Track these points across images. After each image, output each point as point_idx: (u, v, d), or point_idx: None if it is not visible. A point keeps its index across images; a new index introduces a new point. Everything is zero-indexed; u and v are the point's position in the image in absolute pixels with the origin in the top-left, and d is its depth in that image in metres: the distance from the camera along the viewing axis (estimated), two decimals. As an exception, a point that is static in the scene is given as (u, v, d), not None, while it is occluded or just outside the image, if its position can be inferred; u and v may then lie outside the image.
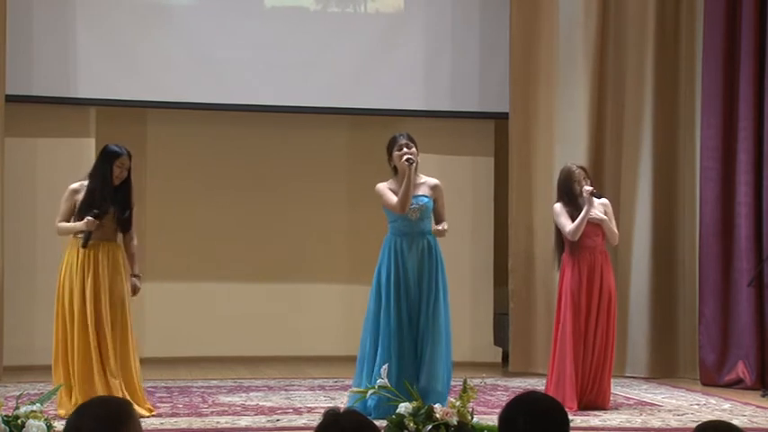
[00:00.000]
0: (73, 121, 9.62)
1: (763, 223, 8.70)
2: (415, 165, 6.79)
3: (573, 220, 7.26)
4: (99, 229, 6.74)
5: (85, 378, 6.64)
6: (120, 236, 6.90)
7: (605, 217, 7.37)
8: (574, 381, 7.15)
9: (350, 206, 10.53)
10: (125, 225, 6.86)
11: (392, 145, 6.91)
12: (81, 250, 6.74)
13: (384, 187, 6.91)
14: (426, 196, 6.86)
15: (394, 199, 6.79)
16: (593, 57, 9.44)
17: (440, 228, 6.84)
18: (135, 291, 6.93)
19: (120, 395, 6.51)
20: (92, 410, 2.92)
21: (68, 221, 6.85)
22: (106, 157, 6.85)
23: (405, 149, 6.81)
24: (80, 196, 6.82)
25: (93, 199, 6.76)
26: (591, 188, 7.28)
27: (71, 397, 6.66)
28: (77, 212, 6.80)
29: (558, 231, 7.41)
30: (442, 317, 6.77)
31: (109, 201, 6.77)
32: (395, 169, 6.91)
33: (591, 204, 7.25)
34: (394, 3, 10.10)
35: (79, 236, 6.77)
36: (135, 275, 6.92)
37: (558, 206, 7.41)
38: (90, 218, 6.69)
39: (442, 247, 6.95)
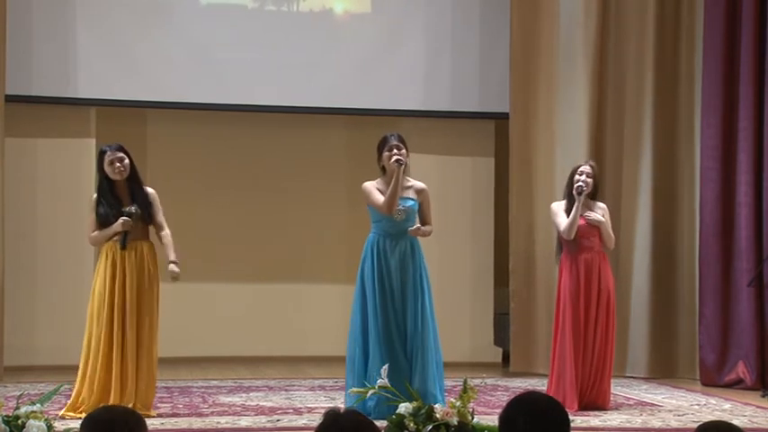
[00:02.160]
0: (73, 121, 9.62)
1: (763, 223, 8.69)
2: (404, 166, 6.80)
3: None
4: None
5: (102, 378, 6.64)
6: (150, 233, 6.86)
7: (603, 219, 7.36)
8: (574, 381, 7.15)
9: (349, 206, 10.51)
10: (148, 217, 6.82)
11: (383, 145, 6.93)
12: (110, 253, 6.72)
13: (372, 186, 6.93)
14: (413, 199, 6.89)
15: (381, 199, 6.81)
16: (593, 57, 9.44)
17: (418, 227, 6.81)
18: (174, 277, 6.77)
19: (131, 404, 6.49)
20: (102, 418, 2.94)
21: (95, 231, 6.81)
22: (99, 158, 6.88)
23: (395, 150, 6.83)
24: None
25: (102, 203, 6.76)
26: (578, 185, 7.26)
27: (79, 394, 6.69)
28: (98, 220, 6.76)
29: (557, 229, 7.41)
30: (429, 318, 6.77)
31: (118, 199, 6.76)
32: (383, 169, 6.93)
33: (581, 202, 7.23)
34: (394, 3, 10.10)
35: (114, 239, 6.73)
36: (172, 261, 6.78)
37: (555, 205, 7.42)
38: (125, 218, 6.69)
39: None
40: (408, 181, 6.93)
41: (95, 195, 6.86)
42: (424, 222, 6.94)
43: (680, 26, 9.48)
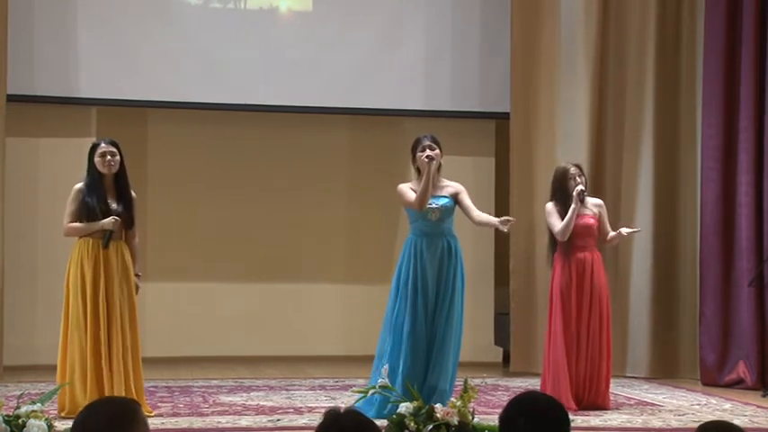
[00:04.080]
0: (74, 120, 9.63)
1: (763, 223, 8.69)
2: (436, 163, 6.80)
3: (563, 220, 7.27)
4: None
5: (94, 378, 6.62)
6: (124, 234, 6.81)
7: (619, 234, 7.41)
8: (568, 382, 7.14)
9: (350, 206, 10.53)
10: (127, 222, 6.78)
11: (416, 146, 6.93)
12: (91, 250, 6.69)
13: (405, 187, 6.93)
14: (446, 197, 6.88)
15: (413, 196, 6.80)
16: (593, 57, 9.44)
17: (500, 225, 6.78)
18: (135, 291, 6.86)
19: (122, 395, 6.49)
20: (99, 410, 2.92)
21: (77, 222, 6.77)
22: (90, 152, 6.83)
23: (428, 151, 6.83)
24: None
25: (90, 195, 6.72)
26: (581, 188, 7.27)
27: (73, 396, 6.65)
28: (83, 210, 6.71)
29: (551, 230, 7.41)
30: (456, 318, 6.78)
31: (103, 196, 6.73)
32: (418, 170, 6.93)
33: (578, 204, 7.24)
34: (394, 3, 10.10)
35: (95, 236, 6.68)
36: (135, 275, 6.83)
37: (550, 205, 7.41)
38: (115, 217, 6.65)
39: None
40: (443, 182, 6.94)
41: (80, 185, 6.78)
42: (468, 210, 6.87)
43: (681, 26, 9.48)
